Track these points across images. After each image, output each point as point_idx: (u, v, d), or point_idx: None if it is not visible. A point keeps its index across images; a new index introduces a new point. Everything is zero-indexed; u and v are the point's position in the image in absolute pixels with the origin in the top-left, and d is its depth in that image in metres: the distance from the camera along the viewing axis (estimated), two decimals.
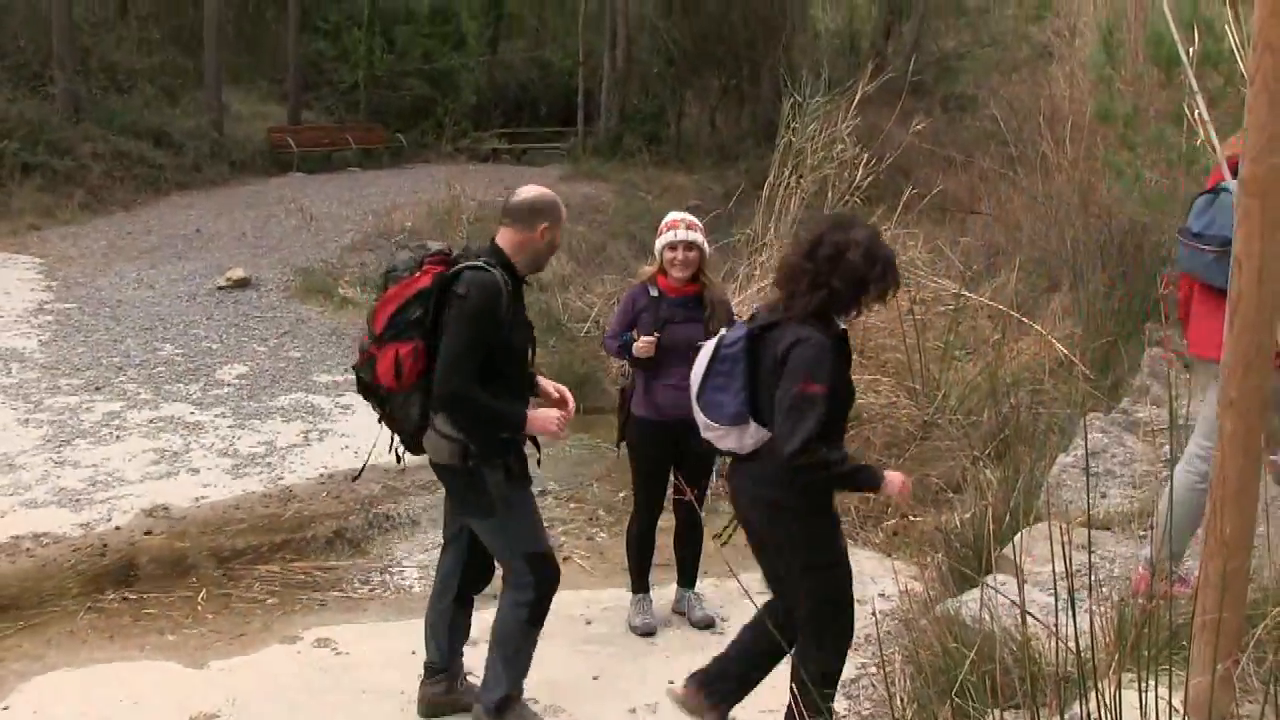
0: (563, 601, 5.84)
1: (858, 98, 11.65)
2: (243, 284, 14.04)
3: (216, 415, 9.28)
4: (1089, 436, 6.19)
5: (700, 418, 3.96)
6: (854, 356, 8.54)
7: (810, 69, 14.43)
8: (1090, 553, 4.25)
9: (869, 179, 11.11)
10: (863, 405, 7.72)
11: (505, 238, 4.17)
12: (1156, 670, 2.72)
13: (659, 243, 5.31)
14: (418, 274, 4.07)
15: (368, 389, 4.21)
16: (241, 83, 27.89)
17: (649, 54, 29.43)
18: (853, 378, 7.55)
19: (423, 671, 4.65)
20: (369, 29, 28.96)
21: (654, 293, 5.35)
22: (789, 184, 11.24)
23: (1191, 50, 7.97)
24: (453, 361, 3.95)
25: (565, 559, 6.56)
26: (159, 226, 17.53)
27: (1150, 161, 9.00)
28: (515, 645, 4.35)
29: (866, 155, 11.23)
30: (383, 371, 4.01)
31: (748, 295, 9.92)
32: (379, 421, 4.36)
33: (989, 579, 4.81)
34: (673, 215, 5.41)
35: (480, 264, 4.03)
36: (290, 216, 17.84)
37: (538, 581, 4.28)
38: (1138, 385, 7.35)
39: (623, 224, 18.29)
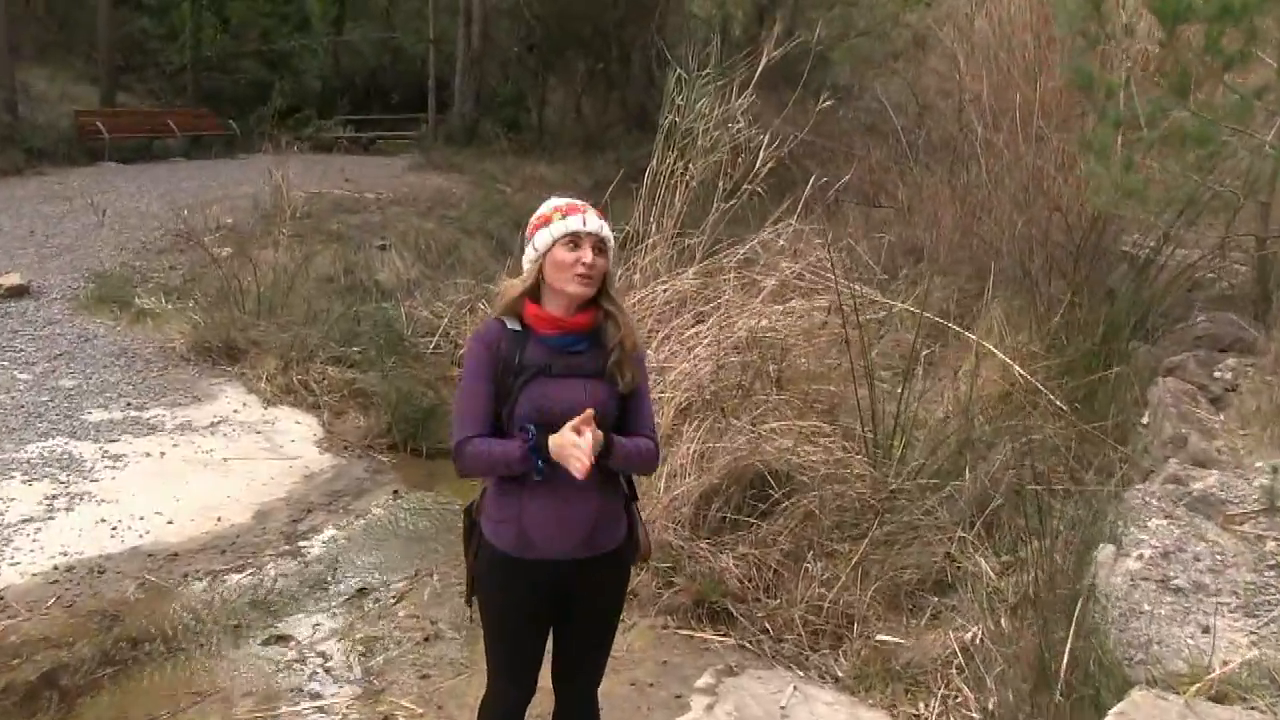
0: None
1: (758, 72, 9.74)
2: (18, 292, 11.51)
3: None
4: (1150, 524, 4.33)
5: None
6: (773, 391, 6.72)
7: (689, 50, 12.64)
8: None
9: (768, 166, 9.17)
10: (799, 465, 5.75)
11: None
12: None
13: (548, 233, 3.20)
14: None
15: None
16: (50, 61, 24.94)
17: (508, 34, 27.31)
18: (777, 425, 5.52)
19: None
20: (195, 4, 26.26)
21: (514, 327, 3.24)
22: (675, 170, 9.29)
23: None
24: None
25: (385, 718, 4.48)
26: None
27: (1131, 141, 7.24)
28: None
29: (765, 140, 9.34)
30: None
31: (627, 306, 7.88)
32: None
33: None
34: (563, 198, 3.33)
35: None
36: (91, 212, 15.26)
37: None
38: (1169, 435, 5.47)
39: (478, 220, 16.25)
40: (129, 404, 8.65)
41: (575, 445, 2.95)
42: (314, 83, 29.08)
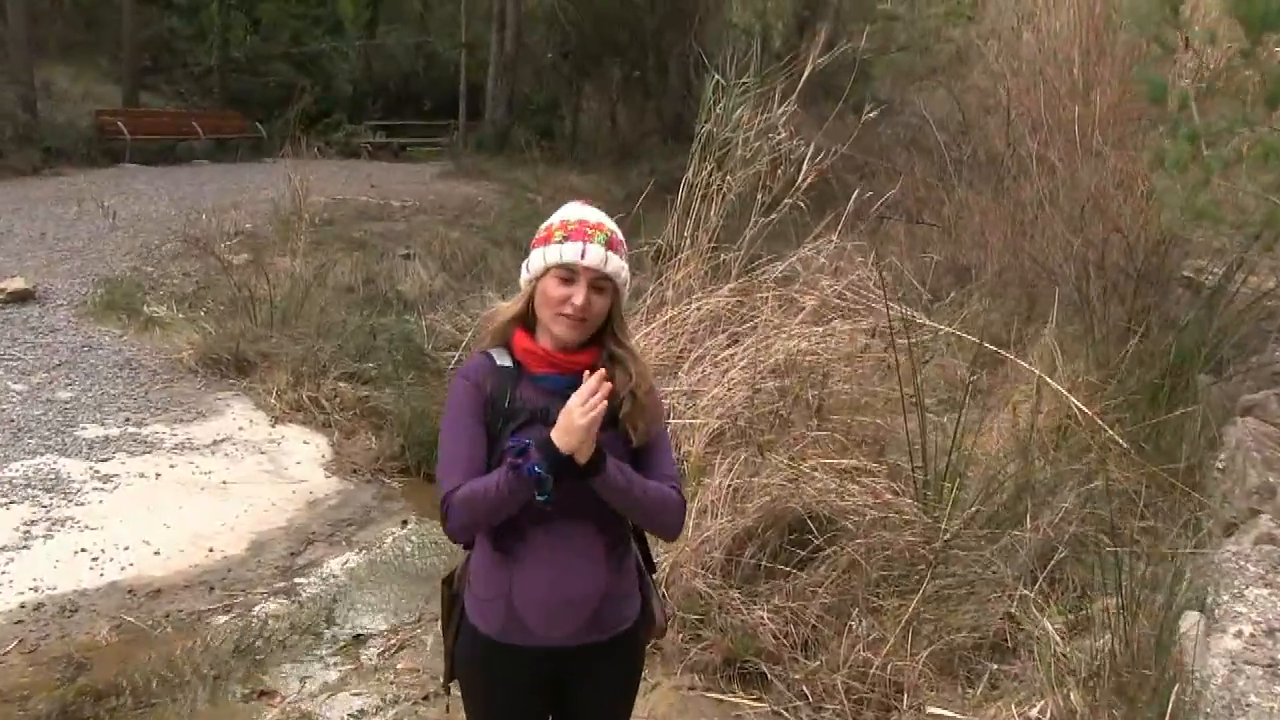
0: None
1: (801, 81, 9.19)
2: (22, 297, 11.07)
3: None
4: (1247, 593, 3.75)
5: None
6: (813, 422, 6.16)
7: (728, 59, 12.11)
8: None
9: (809, 179, 8.59)
10: (842, 509, 5.17)
11: None
12: None
13: (541, 256, 2.61)
14: None
15: None
16: (74, 59, 24.58)
17: (543, 40, 26.86)
18: (817, 459, 4.99)
19: None
20: (224, 4, 25.92)
21: (504, 363, 2.66)
22: (711, 182, 8.75)
23: None
24: None
25: None
26: None
27: (1201, 158, 6.65)
28: None
29: (810, 150, 8.78)
30: None
31: (654, 328, 7.32)
32: None
33: None
34: (576, 209, 2.69)
35: None
36: (107, 215, 14.83)
37: None
38: (1255, 484, 4.85)
39: (506, 229, 15.73)
40: (127, 419, 8.17)
41: (579, 401, 2.39)
42: (345, 86, 28.73)
